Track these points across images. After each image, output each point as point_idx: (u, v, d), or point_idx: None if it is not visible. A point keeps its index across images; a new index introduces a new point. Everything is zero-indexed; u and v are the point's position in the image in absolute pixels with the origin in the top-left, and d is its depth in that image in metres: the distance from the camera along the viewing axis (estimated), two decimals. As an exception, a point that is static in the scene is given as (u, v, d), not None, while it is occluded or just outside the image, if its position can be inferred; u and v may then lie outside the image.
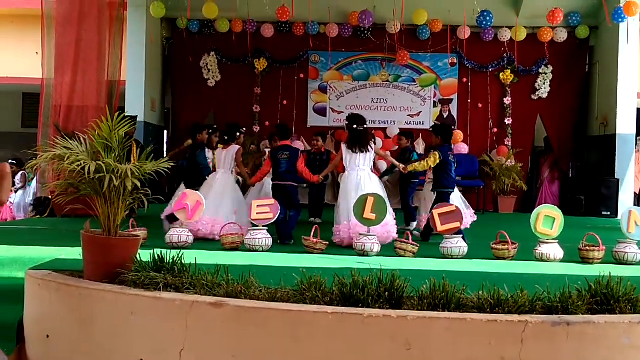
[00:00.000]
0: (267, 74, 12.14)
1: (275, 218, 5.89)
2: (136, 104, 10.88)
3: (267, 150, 7.85)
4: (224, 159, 7.02)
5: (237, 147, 7.07)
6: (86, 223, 3.98)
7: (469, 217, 7.49)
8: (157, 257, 3.85)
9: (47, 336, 3.85)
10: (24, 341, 4.03)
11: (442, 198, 6.66)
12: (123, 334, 3.54)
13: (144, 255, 3.96)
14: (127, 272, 3.74)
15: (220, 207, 6.60)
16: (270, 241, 5.70)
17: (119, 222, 3.94)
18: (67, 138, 4.08)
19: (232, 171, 7.09)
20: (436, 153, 6.75)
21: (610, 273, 3.56)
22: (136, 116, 8.84)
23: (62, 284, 3.82)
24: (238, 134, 7.21)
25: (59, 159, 3.83)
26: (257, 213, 5.85)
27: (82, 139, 4.00)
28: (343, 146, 6.72)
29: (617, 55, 10.94)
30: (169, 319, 3.42)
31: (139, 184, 3.79)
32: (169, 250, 3.98)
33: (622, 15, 9.94)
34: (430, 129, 7.28)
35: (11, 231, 7.06)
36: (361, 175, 6.55)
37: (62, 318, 3.79)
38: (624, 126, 10.93)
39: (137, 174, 3.79)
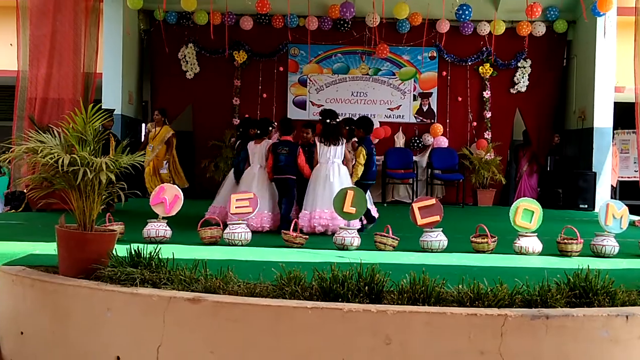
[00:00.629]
0: (246, 67, 12.06)
1: (255, 212, 5.91)
2: (113, 97, 10.74)
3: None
4: (258, 154, 7.26)
5: (270, 141, 7.33)
6: (61, 217, 3.90)
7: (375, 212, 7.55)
8: (133, 252, 3.80)
9: (22, 333, 3.78)
10: (-3, 338, 3.95)
11: (364, 190, 6.86)
12: (99, 330, 3.48)
13: (121, 250, 3.90)
14: (103, 268, 3.68)
15: (263, 200, 6.79)
16: (249, 235, 5.66)
17: (94, 216, 3.87)
18: (40, 131, 4.00)
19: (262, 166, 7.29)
20: (362, 148, 7.16)
21: (588, 266, 3.58)
22: (113, 109, 8.73)
23: (37, 279, 3.74)
24: (270, 128, 7.48)
25: (32, 152, 3.75)
26: (236, 207, 5.81)
27: (56, 132, 3.92)
28: (316, 139, 7.02)
29: (595, 49, 11.03)
30: (146, 315, 3.37)
31: (113, 177, 3.73)
32: (146, 245, 3.92)
33: (598, 11, 10.01)
34: (347, 126, 7.55)
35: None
36: (330, 168, 6.87)
37: (36, 314, 3.72)
38: (602, 120, 11.04)
39: (112, 167, 3.72)
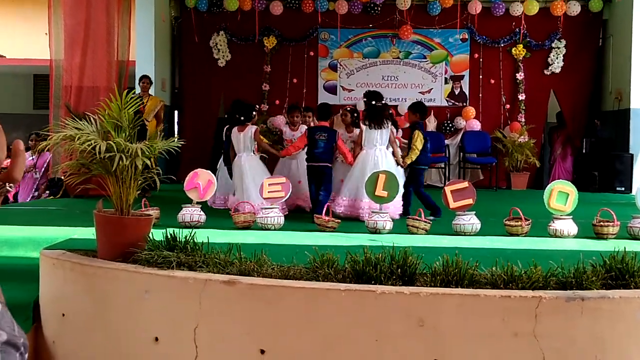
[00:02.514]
0: (276, 52, 12.06)
1: (287, 196, 5.94)
2: (146, 84, 10.87)
3: (302, 128, 7.63)
4: (242, 141, 6.96)
5: (254, 127, 7.05)
6: (98, 203, 3.99)
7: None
8: (169, 236, 3.87)
9: (63, 315, 3.89)
10: (40, 320, 4.07)
11: (416, 175, 6.79)
12: (137, 312, 3.57)
13: (157, 234, 3.97)
14: (140, 251, 3.76)
15: (255, 189, 6.52)
16: (282, 219, 5.70)
17: (131, 201, 3.95)
18: (77, 119, 4.08)
19: (253, 152, 7.04)
20: (419, 132, 6.86)
21: (625, 248, 3.53)
22: (162, 101, 8.78)
23: (76, 263, 3.85)
24: (253, 113, 7.18)
25: (69, 139, 3.83)
26: (268, 192, 5.85)
27: (92, 119, 4.00)
28: (361, 124, 6.79)
29: (631, 28, 10.74)
30: (183, 297, 3.44)
31: (149, 162, 3.79)
32: (181, 230, 3.99)
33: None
34: (409, 108, 7.37)
35: (25, 212, 7.12)
36: (378, 154, 6.61)
37: (76, 297, 3.82)
38: (639, 100, 10.80)
39: (147, 153, 3.78)
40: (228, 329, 3.36)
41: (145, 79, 9.83)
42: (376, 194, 5.66)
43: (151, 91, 9.94)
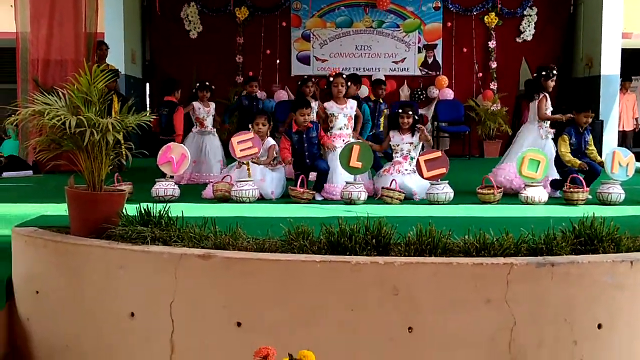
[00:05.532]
0: (248, 23, 11.91)
1: (260, 150, 6.01)
2: (115, 57, 10.59)
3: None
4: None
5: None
6: (70, 178, 3.94)
7: None
8: (143, 211, 3.85)
9: (37, 292, 3.86)
10: (13, 298, 4.04)
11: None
12: (112, 288, 3.56)
13: (130, 209, 3.94)
14: (113, 227, 3.73)
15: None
16: (257, 192, 5.69)
17: (103, 176, 3.90)
18: (45, 94, 4.00)
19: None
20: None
21: (594, 214, 3.60)
22: (117, 70, 8.64)
23: (49, 240, 3.80)
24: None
25: (38, 114, 3.76)
26: (240, 150, 5.80)
27: (61, 93, 3.93)
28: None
29: (602, -5, 10.83)
30: (158, 272, 3.44)
31: (120, 137, 3.75)
32: (155, 204, 3.97)
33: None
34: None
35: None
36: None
37: (50, 274, 3.79)
38: (609, 67, 10.92)
39: (118, 127, 3.73)
40: (204, 303, 3.37)
41: (102, 45, 8.99)
42: (350, 164, 5.67)
43: (114, 61, 9.59)
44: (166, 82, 8.31)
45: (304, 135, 6.08)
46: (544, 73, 6.49)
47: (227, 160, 7.30)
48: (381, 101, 8.50)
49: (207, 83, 7.89)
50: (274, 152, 6.24)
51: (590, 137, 6.19)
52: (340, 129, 6.35)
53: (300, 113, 6.08)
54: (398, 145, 6.18)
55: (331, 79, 6.39)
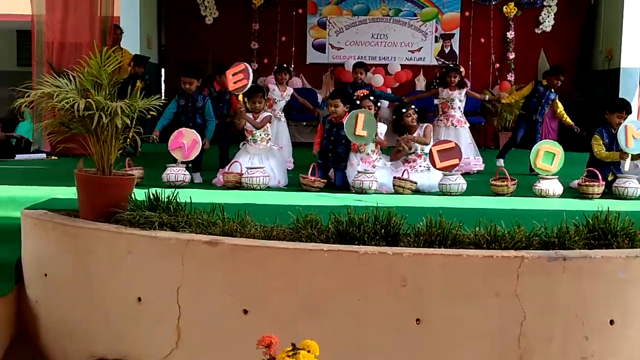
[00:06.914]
0: (265, 10, 11.84)
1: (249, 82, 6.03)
2: (131, 41, 10.59)
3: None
4: None
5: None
6: (79, 162, 3.94)
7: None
8: (152, 196, 3.83)
9: (45, 275, 3.87)
10: (22, 280, 4.05)
11: None
12: (120, 272, 3.55)
13: (140, 194, 3.93)
14: (122, 212, 3.72)
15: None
16: (267, 179, 5.66)
17: (112, 161, 3.90)
18: (57, 76, 3.99)
19: None
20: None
21: (608, 208, 3.53)
22: (148, 57, 8.48)
23: (58, 223, 3.81)
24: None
25: (48, 96, 3.75)
26: (234, 83, 5.96)
27: (72, 76, 3.91)
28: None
29: (624, -15, 10.65)
30: (165, 258, 3.42)
31: (128, 121, 3.72)
32: (163, 190, 3.95)
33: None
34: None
35: (6, 171, 7.02)
36: None
37: (59, 257, 3.80)
38: (629, 60, 10.74)
39: (127, 111, 3.71)
40: (211, 289, 3.35)
41: (116, 29, 8.86)
42: (356, 133, 5.63)
43: (129, 46, 9.56)
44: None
45: (334, 129, 6.02)
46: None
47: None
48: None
49: (284, 65, 7.49)
50: (268, 122, 6.27)
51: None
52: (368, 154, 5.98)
53: (329, 103, 6.10)
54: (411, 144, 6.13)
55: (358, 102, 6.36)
